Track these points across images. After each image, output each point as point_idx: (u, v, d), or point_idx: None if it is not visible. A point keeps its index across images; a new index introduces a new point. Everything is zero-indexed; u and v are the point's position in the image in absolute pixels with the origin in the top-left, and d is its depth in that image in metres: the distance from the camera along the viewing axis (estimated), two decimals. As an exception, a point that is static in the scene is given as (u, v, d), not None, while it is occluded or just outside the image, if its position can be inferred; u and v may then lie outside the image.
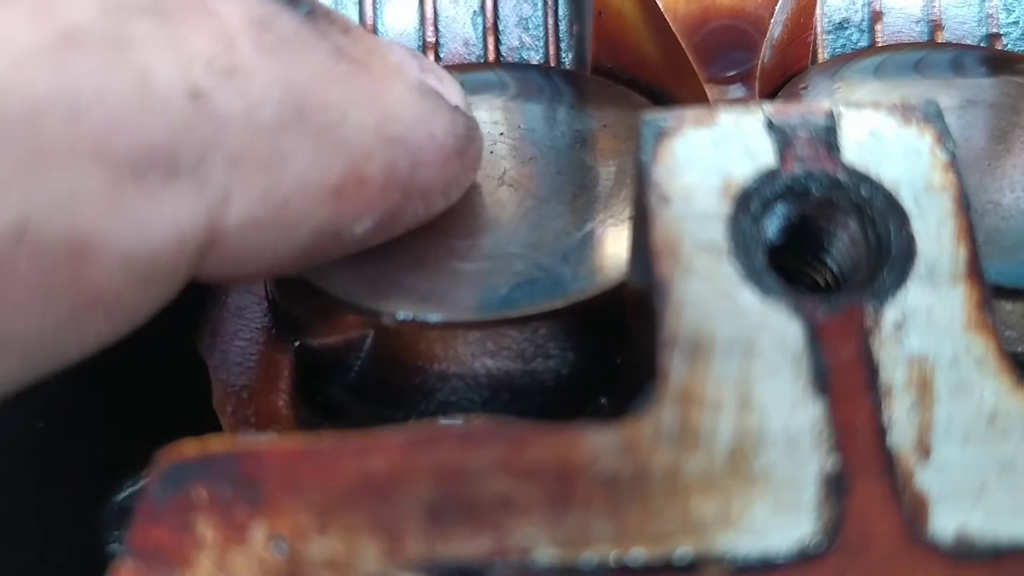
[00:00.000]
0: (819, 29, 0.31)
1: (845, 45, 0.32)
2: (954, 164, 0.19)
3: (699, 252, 0.19)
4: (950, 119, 0.20)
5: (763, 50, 0.28)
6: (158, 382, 0.29)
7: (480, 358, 0.23)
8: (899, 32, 0.32)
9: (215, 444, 0.17)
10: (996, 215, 0.24)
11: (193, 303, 0.24)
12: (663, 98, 0.29)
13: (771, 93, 0.29)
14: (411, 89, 0.22)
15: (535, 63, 0.31)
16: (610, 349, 0.23)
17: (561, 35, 0.32)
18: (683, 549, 0.17)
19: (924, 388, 0.18)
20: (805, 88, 0.29)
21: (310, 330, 0.25)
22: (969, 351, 0.18)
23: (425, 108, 0.22)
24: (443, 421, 0.23)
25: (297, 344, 0.25)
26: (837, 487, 0.17)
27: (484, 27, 0.32)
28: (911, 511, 0.17)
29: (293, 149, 0.20)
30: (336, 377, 0.25)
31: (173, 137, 0.18)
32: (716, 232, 0.19)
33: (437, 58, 0.31)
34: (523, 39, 0.32)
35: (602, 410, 0.24)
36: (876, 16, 0.32)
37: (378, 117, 0.21)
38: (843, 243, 0.20)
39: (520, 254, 0.24)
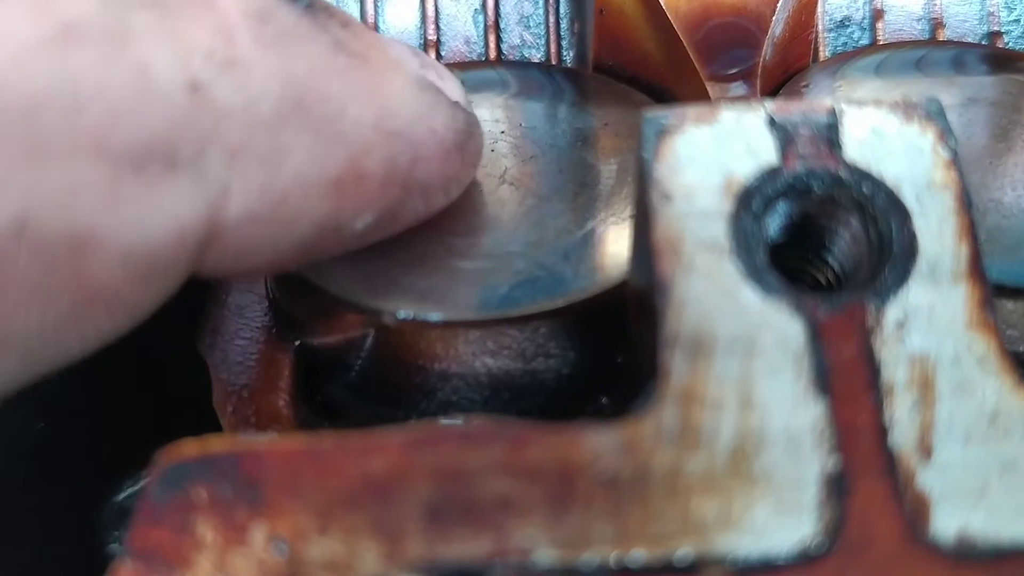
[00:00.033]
0: (820, 27, 0.31)
1: (846, 43, 0.32)
2: (956, 162, 0.19)
3: (701, 250, 0.18)
4: (951, 117, 0.20)
5: (764, 48, 0.28)
6: (158, 381, 0.29)
7: (481, 357, 0.23)
8: (900, 30, 0.32)
9: (215, 444, 0.17)
10: (998, 213, 0.24)
11: (193, 302, 0.24)
12: (664, 96, 0.29)
13: (772, 91, 0.29)
14: (411, 83, 0.22)
15: (536, 61, 0.31)
16: (611, 348, 0.23)
17: (562, 33, 0.32)
18: (684, 550, 0.17)
19: (926, 387, 0.18)
20: (806, 86, 0.29)
21: (310, 329, 0.25)
22: (971, 350, 0.18)
23: (425, 103, 0.22)
24: (443, 421, 0.23)
25: (297, 343, 0.25)
26: (838, 487, 0.17)
27: (485, 25, 0.31)
28: (912, 511, 0.17)
29: (292, 142, 0.20)
30: (337, 376, 0.25)
31: (172, 130, 0.18)
32: (718, 230, 0.19)
33: (438, 56, 0.31)
34: (524, 37, 0.32)
35: (603, 409, 0.23)
36: (877, 14, 0.32)
37: (378, 111, 0.21)
38: (845, 241, 0.20)
39: (521, 252, 0.24)
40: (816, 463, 0.17)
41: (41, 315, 0.18)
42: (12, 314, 0.17)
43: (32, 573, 0.28)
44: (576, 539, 0.17)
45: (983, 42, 0.31)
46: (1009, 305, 0.23)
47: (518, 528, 0.17)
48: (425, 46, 0.31)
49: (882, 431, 0.17)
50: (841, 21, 0.32)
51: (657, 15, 0.28)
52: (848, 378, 0.18)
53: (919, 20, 0.32)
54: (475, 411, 0.24)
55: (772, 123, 0.19)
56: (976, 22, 0.32)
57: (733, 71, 0.28)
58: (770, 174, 0.19)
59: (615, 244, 0.24)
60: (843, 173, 0.19)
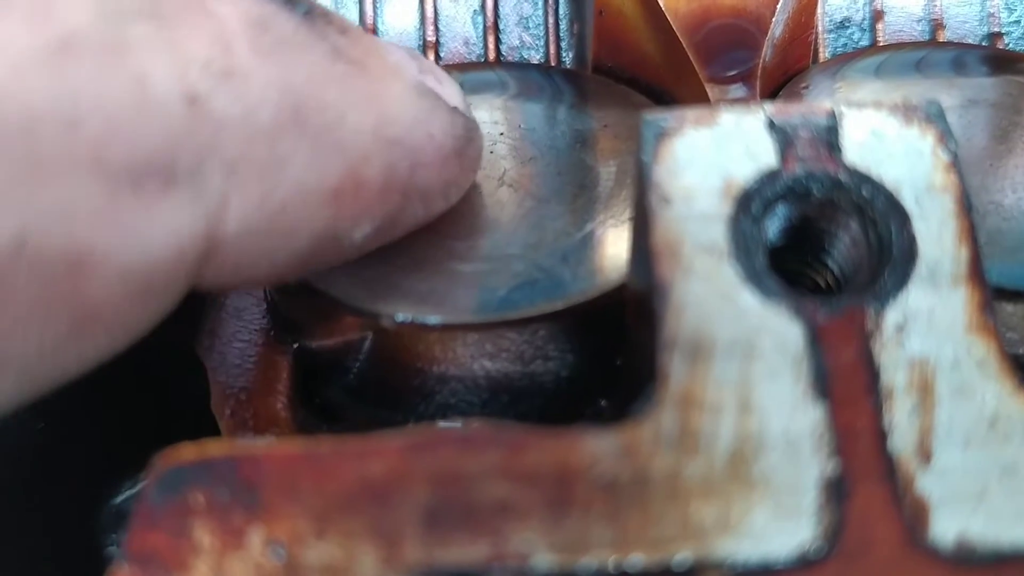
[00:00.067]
0: (820, 28, 0.31)
1: (846, 44, 0.31)
2: (956, 164, 0.19)
3: (700, 253, 0.18)
4: (951, 119, 0.20)
5: (764, 49, 0.28)
6: (157, 383, 0.29)
7: (479, 360, 0.23)
8: (900, 31, 0.31)
9: (213, 448, 0.17)
10: (998, 216, 0.24)
11: (192, 305, 0.24)
12: (664, 97, 0.29)
13: (772, 92, 0.29)
14: (409, 89, 0.22)
15: (535, 62, 0.31)
16: (610, 351, 0.23)
17: (561, 34, 0.31)
18: (682, 554, 0.17)
19: (925, 391, 0.18)
20: (806, 87, 0.29)
21: (309, 332, 0.25)
22: (970, 354, 0.18)
23: (423, 109, 0.22)
24: (442, 424, 0.23)
25: (296, 346, 0.25)
26: (837, 491, 0.17)
27: (484, 26, 0.31)
28: (912, 516, 0.17)
29: (291, 152, 0.20)
30: (335, 379, 0.25)
31: (170, 144, 0.18)
32: (717, 233, 0.19)
33: (437, 57, 0.31)
34: (523, 38, 0.31)
35: (602, 412, 0.23)
36: (877, 15, 0.31)
37: (376, 118, 0.21)
38: (844, 244, 0.20)
39: (519, 255, 0.23)
40: (815, 467, 0.17)
41: (40, 334, 0.18)
42: (10, 333, 0.17)
43: (32, 573, 0.28)
44: (575, 543, 0.17)
45: (983, 43, 0.31)
46: (1009, 308, 0.23)
47: (516, 532, 0.17)
48: (424, 47, 0.31)
49: (881, 435, 0.17)
50: (841, 22, 0.32)
51: (656, 16, 0.28)
52: (847, 382, 0.18)
53: (919, 21, 0.32)
54: (474, 414, 0.24)
55: (771, 126, 0.19)
56: (976, 23, 0.32)
57: (732, 73, 0.28)
58: (769, 177, 0.19)
59: (614, 246, 0.24)
60: (843, 176, 0.19)
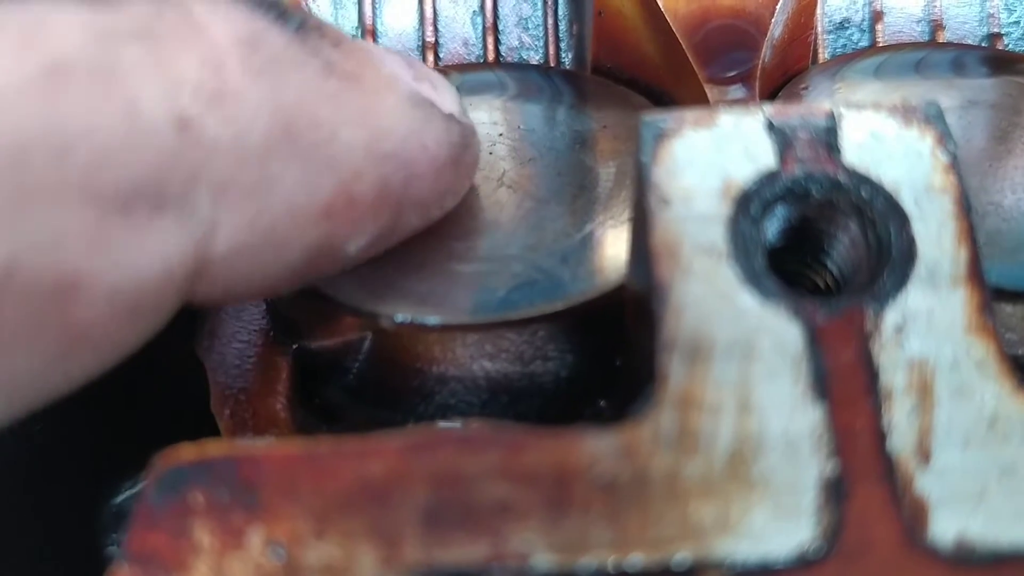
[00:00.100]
0: (820, 29, 0.31)
1: (846, 45, 0.31)
2: (955, 166, 0.19)
3: (699, 254, 0.18)
4: (951, 120, 0.20)
5: (763, 50, 0.28)
6: (156, 384, 0.29)
7: (479, 360, 0.23)
8: (900, 32, 0.31)
9: (212, 448, 0.17)
10: (997, 216, 0.24)
11: (200, 307, 0.24)
12: (663, 98, 0.29)
13: (771, 93, 0.29)
14: (403, 101, 0.21)
15: (535, 63, 0.31)
16: (609, 351, 0.23)
17: (561, 35, 0.31)
18: (682, 554, 0.17)
19: (924, 392, 0.18)
20: (806, 88, 0.29)
21: (308, 332, 0.25)
22: (970, 354, 0.18)
23: (418, 119, 0.21)
24: (441, 425, 0.23)
25: (295, 346, 0.25)
26: (837, 492, 0.17)
27: (484, 27, 0.31)
28: (911, 516, 0.17)
29: (281, 172, 0.19)
30: (334, 379, 0.25)
31: (160, 169, 0.18)
32: (716, 234, 0.19)
33: (436, 58, 0.31)
34: (523, 39, 0.31)
35: (601, 412, 0.23)
36: (877, 16, 0.31)
37: (369, 134, 0.21)
38: (843, 245, 0.20)
39: (519, 256, 0.23)
40: (814, 467, 0.17)
41: (27, 357, 0.17)
42: None
43: (32, 573, 0.28)
44: (574, 543, 0.17)
45: (983, 44, 0.31)
46: (1008, 309, 0.23)
47: (516, 532, 0.17)
48: (423, 48, 0.31)
49: (880, 436, 0.17)
50: (840, 23, 0.32)
51: (656, 17, 0.28)
52: (846, 382, 0.18)
53: (919, 22, 0.32)
54: (473, 414, 0.24)
55: (771, 127, 0.19)
56: (976, 24, 0.32)
57: (732, 73, 0.28)
58: (768, 178, 0.19)
59: (613, 247, 0.24)
60: (842, 177, 0.19)
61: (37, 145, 0.17)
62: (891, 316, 0.18)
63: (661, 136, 0.19)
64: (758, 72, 0.28)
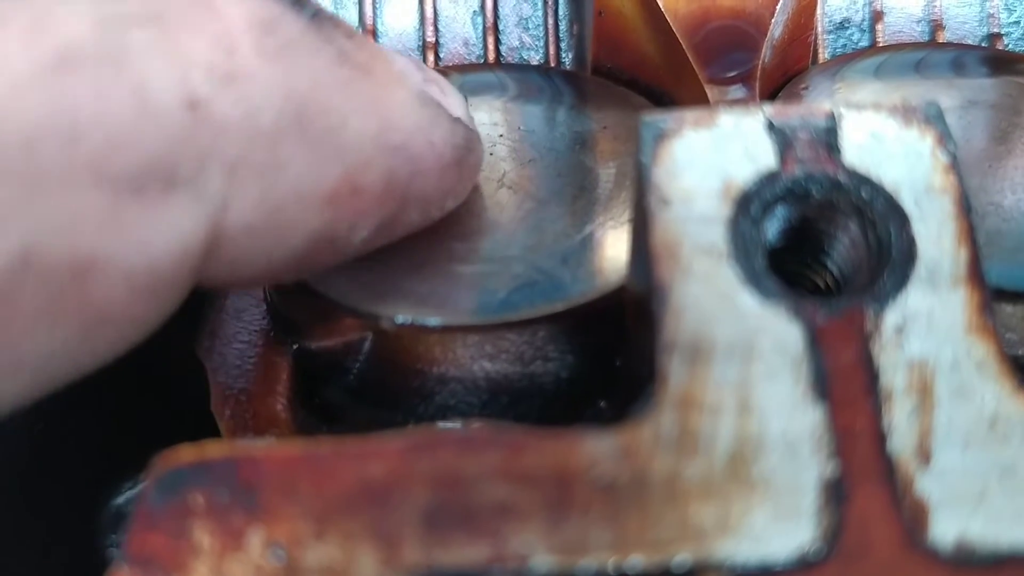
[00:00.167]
0: (820, 29, 0.31)
1: (846, 45, 0.31)
2: (955, 166, 0.19)
3: (699, 255, 0.18)
4: (951, 120, 0.20)
5: (764, 50, 0.28)
6: (157, 385, 0.29)
7: (479, 361, 0.23)
8: (900, 32, 0.31)
9: (212, 449, 0.17)
10: (997, 217, 0.24)
11: (191, 306, 0.24)
12: (663, 99, 0.29)
13: (771, 93, 0.29)
14: (413, 97, 0.22)
15: (535, 63, 0.31)
16: (610, 352, 0.23)
17: (561, 35, 0.31)
18: (682, 556, 0.17)
19: (924, 393, 0.18)
20: (806, 88, 0.29)
21: (308, 333, 0.25)
22: (970, 355, 0.18)
23: (426, 117, 0.22)
24: (441, 425, 0.23)
25: (295, 347, 0.25)
26: (837, 493, 0.17)
27: (484, 27, 0.31)
28: (911, 517, 0.17)
29: (290, 155, 0.20)
30: (335, 380, 0.25)
31: (171, 149, 0.18)
32: (716, 235, 0.19)
33: (437, 58, 0.31)
34: (523, 39, 0.31)
35: (602, 413, 0.23)
36: (877, 16, 0.31)
37: (378, 124, 0.21)
38: (843, 245, 0.20)
39: (519, 257, 0.24)
40: (814, 468, 0.17)
41: (50, 339, 0.18)
42: (21, 340, 0.17)
43: (32, 574, 0.28)
44: (574, 545, 0.17)
45: (983, 44, 0.31)
46: (1008, 309, 0.23)
47: (516, 534, 0.17)
48: (424, 48, 0.31)
49: (881, 436, 0.17)
50: (840, 23, 0.32)
51: (656, 17, 0.28)
52: (847, 383, 0.18)
53: (919, 22, 0.32)
54: (473, 415, 0.24)
55: (771, 127, 0.19)
56: (976, 24, 0.32)
57: (732, 74, 0.28)
58: (769, 178, 0.19)
59: (613, 248, 0.24)
60: (842, 177, 0.19)
61: (48, 132, 0.17)
62: (891, 316, 0.18)
63: (661, 137, 0.19)
64: (758, 72, 0.28)
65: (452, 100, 0.23)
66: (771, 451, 0.17)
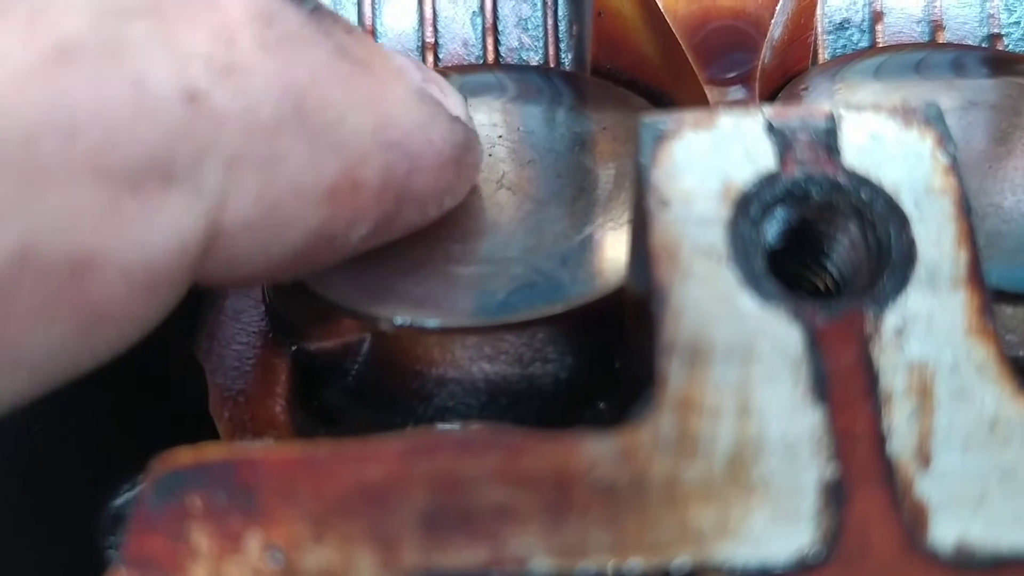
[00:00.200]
0: (819, 30, 0.31)
1: (846, 46, 0.31)
2: (955, 167, 0.19)
3: (698, 256, 0.18)
4: (951, 121, 0.20)
5: (763, 51, 0.28)
6: (156, 386, 0.29)
7: (478, 363, 0.23)
8: (900, 32, 0.31)
9: (210, 452, 0.17)
10: (997, 218, 0.24)
11: (190, 307, 0.24)
12: (663, 99, 0.29)
13: (771, 94, 0.29)
14: (412, 94, 0.22)
15: (534, 64, 0.31)
16: (609, 354, 0.23)
17: (560, 36, 0.31)
18: (681, 559, 0.17)
19: (924, 395, 0.18)
20: (805, 89, 0.29)
21: (307, 334, 0.25)
22: (970, 357, 0.18)
23: (425, 114, 0.22)
24: (440, 427, 0.23)
25: (294, 348, 0.25)
26: (836, 495, 0.17)
27: (483, 28, 0.31)
28: (911, 520, 0.17)
29: (289, 149, 0.19)
30: (333, 381, 0.25)
31: (169, 143, 0.18)
32: (715, 236, 0.19)
33: (436, 59, 0.31)
34: (522, 40, 0.31)
35: (601, 415, 0.23)
36: (877, 16, 0.31)
37: (377, 120, 0.21)
38: (843, 247, 0.20)
39: (518, 258, 0.23)
40: (814, 471, 0.17)
41: (48, 336, 0.18)
42: (19, 337, 0.17)
43: (32, 574, 0.28)
44: (573, 547, 0.17)
45: (983, 44, 0.31)
46: (1008, 310, 0.23)
47: (515, 536, 0.17)
48: (423, 49, 0.31)
49: (880, 439, 0.17)
50: (840, 23, 0.32)
51: (655, 18, 0.28)
52: (846, 385, 0.18)
53: (919, 22, 0.32)
54: (472, 416, 0.24)
55: (771, 128, 0.19)
56: (976, 24, 0.31)
57: (732, 75, 0.28)
58: (768, 180, 0.19)
59: (613, 249, 0.24)
60: (842, 179, 0.19)
61: (46, 129, 0.17)
62: (891, 318, 0.18)
63: (660, 138, 0.19)
64: (758, 73, 0.28)
65: (451, 99, 0.23)
66: (771, 453, 0.17)
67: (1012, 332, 0.23)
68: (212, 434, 0.24)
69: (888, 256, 0.19)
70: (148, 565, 0.17)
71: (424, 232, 0.23)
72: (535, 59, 0.31)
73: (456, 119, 0.22)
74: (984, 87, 0.28)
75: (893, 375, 0.18)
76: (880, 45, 0.31)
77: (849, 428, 0.17)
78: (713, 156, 0.19)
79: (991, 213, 0.24)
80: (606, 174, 0.26)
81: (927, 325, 0.18)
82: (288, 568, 0.17)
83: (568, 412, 0.23)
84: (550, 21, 0.31)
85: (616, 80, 0.30)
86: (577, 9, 0.31)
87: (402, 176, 0.21)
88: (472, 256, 0.24)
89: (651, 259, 0.18)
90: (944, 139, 0.19)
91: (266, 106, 0.19)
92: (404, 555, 0.17)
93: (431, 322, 0.22)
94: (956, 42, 0.31)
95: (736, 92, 0.28)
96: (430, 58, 0.31)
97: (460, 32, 0.31)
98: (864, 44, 0.31)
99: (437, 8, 0.31)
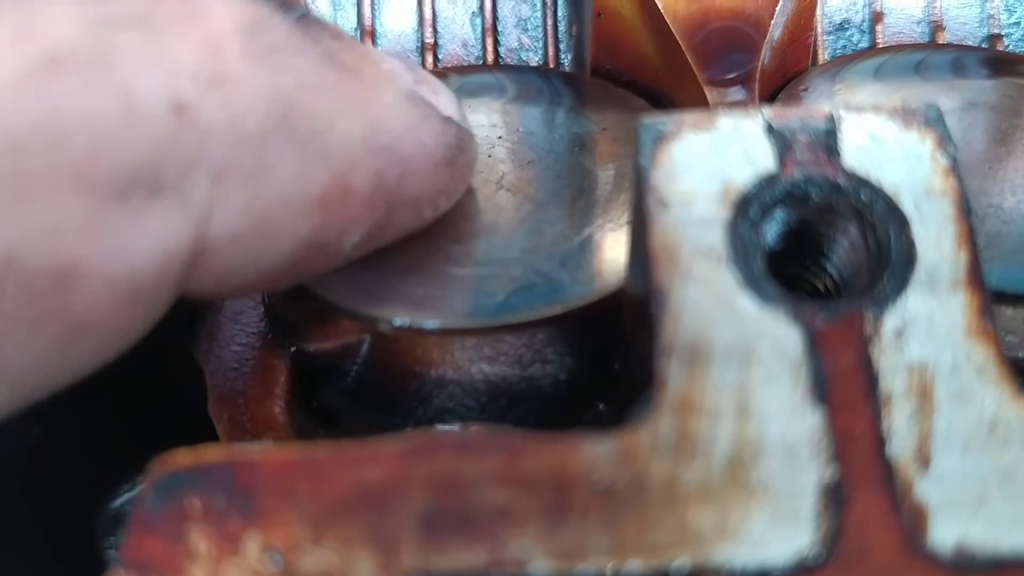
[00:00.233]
0: (819, 30, 0.31)
1: (846, 46, 0.31)
2: (955, 168, 0.19)
3: (698, 258, 0.18)
4: (951, 121, 0.20)
5: (763, 52, 0.28)
6: (155, 387, 0.29)
7: (477, 364, 0.23)
8: (900, 33, 0.31)
9: (209, 453, 0.17)
10: (997, 219, 0.24)
11: (190, 308, 0.24)
12: (662, 100, 0.29)
13: (771, 95, 0.29)
14: (401, 97, 0.21)
15: (534, 64, 0.31)
16: (608, 355, 0.23)
17: (560, 36, 0.31)
18: (680, 560, 0.17)
19: (924, 396, 0.18)
20: (805, 90, 0.29)
21: (306, 335, 0.25)
22: (970, 359, 0.18)
23: (415, 117, 0.22)
24: (440, 429, 0.23)
25: (293, 349, 0.25)
26: (836, 497, 0.17)
27: (483, 28, 0.31)
28: (910, 522, 0.17)
29: (277, 159, 0.19)
30: (332, 383, 0.25)
31: (156, 154, 0.18)
32: (715, 238, 0.19)
33: (436, 60, 0.31)
34: (522, 40, 0.31)
35: (600, 416, 0.23)
36: (877, 17, 0.31)
37: (366, 126, 0.21)
38: (843, 248, 0.20)
39: (518, 259, 0.23)
40: (813, 473, 0.17)
41: (29, 346, 0.18)
42: (0, 346, 0.17)
43: (32, 574, 0.28)
44: (572, 550, 0.17)
45: (983, 45, 0.31)
46: (1008, 311, 0.23)
47: (514, 538, 0.17)
48: (422, 49, 0.31)
49: (880, 440, 0.17)
50: (840, 24, 0.32)
51: (655, 18, 0.28)
52: (846, 387, 0.18)
53: (919, 23, 0.32)
54: (472, 417, 0.24)
55: (770, 130, 0.19)
56: (976, 25, 0.31)
57: (731, 75, 0.28)
58: (768, 181, 0.19)
59: (612, 250, 0.23)
60: (841, 180, 0.19)
61: (33, 135, 0.17)
62: (891, 320, 0.18)
63: (660, 139, 0.19)
64: (757, 74, 0.28)
65: (443, 99, 0.23)
66: (770, 455, 0.17)
67: (1012, 333, 0.23)
68: (211, 435, 0.24)
69: (888, 257, 0.19)
70: (147, 567, 0.16)
71: (423, 233, 0.23)
72: (535, 60, 0.31)
73: (448, 119, 0.22)
74: (984, 88, 0.28)
75: (893, 377, 0.18)
76: (880, 46, 0.31)
77: (849, 430, 0.17)
78: (713, 157, 0.19)
79: (991, 214, 0.24)
80: (605, 175, 0.26)
81: (927, 327, 0.18)
82: (287, 570, 0.17)
83: (567, 413, 0.23)
84: (549, 22, 0.31)
85: (616, 81, 0.30)
86: (577, 10, 0.31)
87: (394, 181, 0.21)
88: (471, 257, 0.24)
89: (650, 260, 0.18)
90: (944, 140, 0.19)
91: (253, 117, 0.19)
92: (403, 557, 0.17)
93: (430, 323, 0.22)
94: (956, 43, 0.31)
95: (736, 93, 0.28)
96: (429, 59, 0.31)
97: (459, 33, 0.31)
98: (864, 45, 0.31)
99: (436, 9, 0.31)
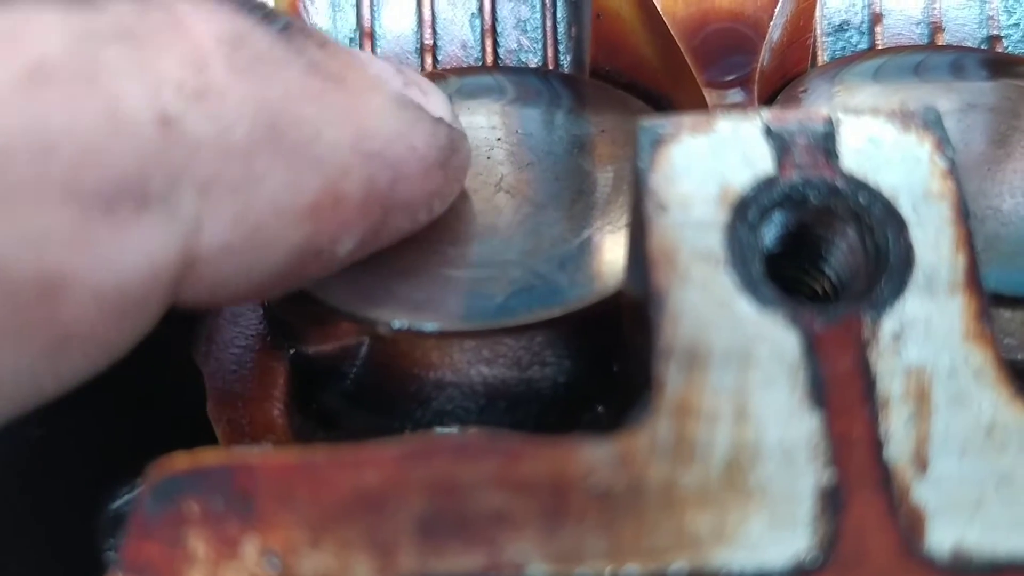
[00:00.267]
0: (818, 31, 0.31)
1: (845, 47, 0.31)
2: (953, 171, 0.19)
3: (696, 261, 0.18)
4: (950, 123, 0.20)
5: (762, 53, 0.28)
6: (154, 389, 0.29)
7: (476, 366, 0.23)
8: (899, 34, 0.31)
9: (207, 457, 0.17)
10: (996, 221, 0.24)
11: (189, 311, 0.24)
12: (661, 102, 0.29)
13: (770, 96, 0.29)
14: (389, 102, 0.21)
15: (533, 66, 0.31)
16: (607, 357, 0.23)
17: (559, 38, 0.31)
18: (678, 564, 0.17)
19: (922, 400, 0.18)
20: (804, 91, 0.29)
21: (305, 338, 0.25)
22: (967, 362, 0.18)
23: (404, 120, 0.22)
24: (438, 432, 0.23)
25: (292, 352, 0.25)
26: (833, 501, 0.17)
27: (482, 29, 0.31)
28: (907, 525, 0.17)
29: (266, 170, 0.19)
30: (331, 385, 0.25)
31: (143, 166, 0.18)
32: (713, 241, 0.19)
33: (435, 61, 0.31)
34: (521, 41, 0.31)
35: (599, 418, 0.23)
36: (876, 18, 0.31)
37: (355, 132, 0.21)
38: (841, 251, 0.20)
39: (517, 261, 0.23)
40: (811, 476, 0.17)
41: (14, 358, 0.18)
42: None
43: (32, 575, 0.28)
44: (570, 553, 0.17)
45: (982, 46, 0.31)
46: (1006, 314, 0.23)
47: (511, 542, 0.17)
48: (421, 51, 0.31)
49: (877, 444, 0.17)
50: (839, 25, 0.32)
51: (654, 20, 0.28)
52: (843, 391, 0.18)
53: (918, 24, 0.32)
54: (471, 420, 0.24)
55: (768, 132, 0.19)
56: (975, 26, 0.31)
57: (730, 77, 0.28)
58: (766, 184, 0.19)
59: (611, 253, 0.23)
60: (839, 183, 0.19)
61: (19, 146, 0.17)
62: (889, 323, 0.18)
63: (659, 142, 0.19)
64: (757, 75, 0.28)
65: (433, 101, 0.23)
66: (768, 459, 0.17)
67: (1010, 336, 0.23)
68: (210, 437, 0.24)
69: (886, 261, 0.19)
70: (145, 571, 0.17)
71: (422, 236, 0.23)
72: (534, 61, 0.31)
73: (439, 121, 0.22)
74: (983, 89, 0.28)
75: (890, 380, 0.18)
76: (879, 47, 0.31)
77: (846, 433, 0.17)
78: (711, 160, 0.19)
79: (990, 216, 0.24)
80: (604, 177, 0.26)
81: (925, 330, 0.18)
82: (285, 573, 0.17)
83: (566, 416, 0.23)
84: (549, 23, 0.31)
85: (615, 82, 0.30)
86: (576, 11, 0.31)
87: (386, 185, 0.21)
88: (470, 259, 0.24)
89: (649, 263, 0.18)
90: (942, 143, 0.19)
91: (239, 129, 0.19)
92: (401, 561, 0.17)
93: (429, 326, 0.22)
94: (955, 44, 0.31)
95: (735, 94, 0.28)
96: (429, 60, 0.31)
97: (459, 34, 0.31)
98: (863, 46, 0.31)
99: (436, 10, 0.31)
